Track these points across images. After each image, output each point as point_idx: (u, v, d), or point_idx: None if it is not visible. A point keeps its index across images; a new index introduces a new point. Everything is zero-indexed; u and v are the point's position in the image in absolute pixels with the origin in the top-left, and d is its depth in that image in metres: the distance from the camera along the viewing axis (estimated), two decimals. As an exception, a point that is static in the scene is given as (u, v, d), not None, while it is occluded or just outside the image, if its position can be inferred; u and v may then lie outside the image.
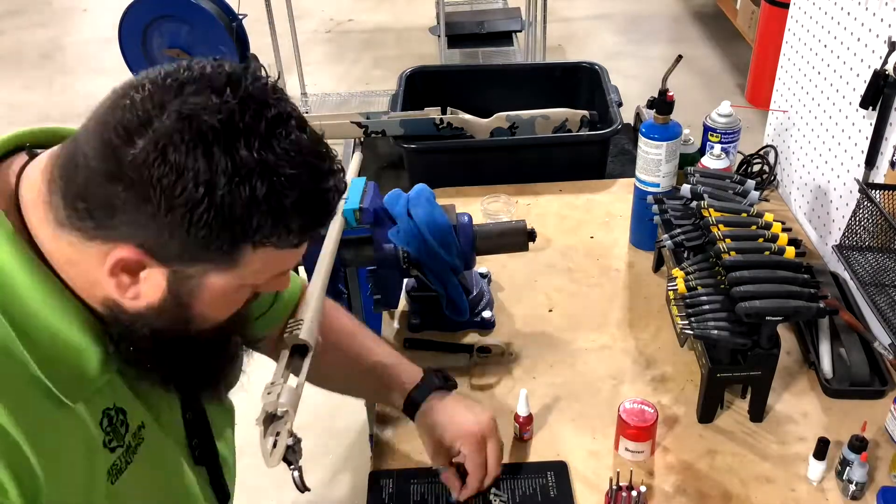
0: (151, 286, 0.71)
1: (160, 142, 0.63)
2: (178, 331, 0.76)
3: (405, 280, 1.41)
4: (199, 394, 0.91)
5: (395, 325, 1.44)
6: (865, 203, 1.28)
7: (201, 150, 0.63)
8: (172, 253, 0.68)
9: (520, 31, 4.17)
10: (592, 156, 1.83)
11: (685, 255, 1.31)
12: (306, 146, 0.68)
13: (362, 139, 1.82)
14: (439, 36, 3.58)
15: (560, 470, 1.15)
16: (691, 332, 1.15)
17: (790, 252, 1.17)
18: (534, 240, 1.31)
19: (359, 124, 1.80)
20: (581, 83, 2.05)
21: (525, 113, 1.81)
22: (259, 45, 3.97)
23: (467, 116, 1.81)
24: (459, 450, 1.08)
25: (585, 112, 1.83)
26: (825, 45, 1.52)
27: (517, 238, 1.30)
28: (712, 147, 1.63)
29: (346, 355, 1.14)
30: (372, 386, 1.16)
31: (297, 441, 0.87)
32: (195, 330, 0.77)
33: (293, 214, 0.68)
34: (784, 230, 1.22)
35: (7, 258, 0.69)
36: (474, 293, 1.40)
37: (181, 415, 0.91)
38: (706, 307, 1.16)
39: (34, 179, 0.71)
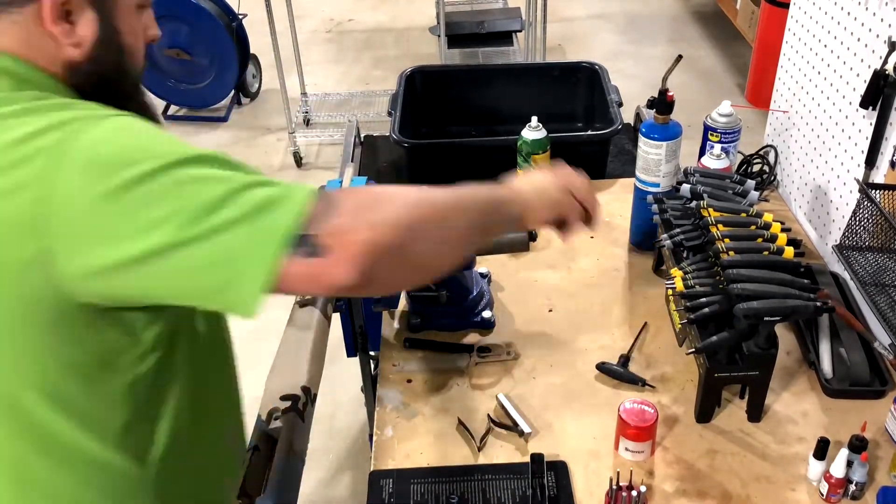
0: (85, 23, 0.81)
1: None
2: (120, 71, 0.87)
3: (405, 280, 1.41)
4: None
5: (396, 325, 1.44)
6: (865, 203, 1.28)
7: None
8: None
9: (520, 31, 4.16)
10: (592, 156, 1.83)
11: (684, 254, 1.32)
12: None
13: (362, 139, 1.82)
14: (439, 36, 3.57)
15: (560, 470, 1.15)
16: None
17: (789, 252, 1.17)
18: (534, 240, 1.31)
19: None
20: (581, 83, 2.05)
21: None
22: (259, 45, 3.97)
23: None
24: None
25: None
26: (825, 45, 1.52)
27: (518, 238, 1.30)
28: (712, 147, 1.63)
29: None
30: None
31: None
32: (129, 67, 0.89)
33: None
34: (784, 230, 1.22)
35: None
36: (474, 293, 1.40)
37: None
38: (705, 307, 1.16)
39: None
